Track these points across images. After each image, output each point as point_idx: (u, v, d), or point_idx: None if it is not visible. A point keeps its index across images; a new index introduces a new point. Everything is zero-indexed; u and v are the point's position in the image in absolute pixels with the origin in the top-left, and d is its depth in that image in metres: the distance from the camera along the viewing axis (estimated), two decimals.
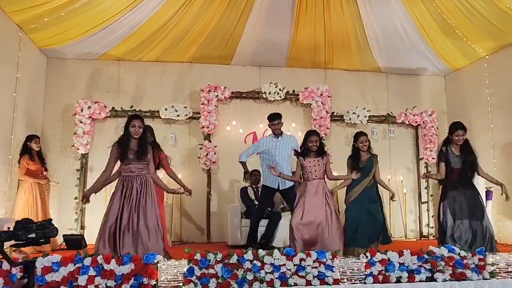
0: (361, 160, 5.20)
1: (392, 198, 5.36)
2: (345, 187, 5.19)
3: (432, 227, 7.91)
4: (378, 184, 5.27)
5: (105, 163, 4.36)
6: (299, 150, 5.16)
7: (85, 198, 4.34)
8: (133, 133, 4.22)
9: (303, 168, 4.82)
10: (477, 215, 4.80)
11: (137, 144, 4.25)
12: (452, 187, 4.94)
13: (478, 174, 5.00)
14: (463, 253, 3.73)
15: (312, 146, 4.79)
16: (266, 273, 3.34)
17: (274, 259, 3.39)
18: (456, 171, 4.94)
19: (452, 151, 4.97)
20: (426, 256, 3.65)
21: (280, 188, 5.53)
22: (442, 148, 5.05)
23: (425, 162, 8.08)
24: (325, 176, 4.87)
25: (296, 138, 5.82)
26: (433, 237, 7.84)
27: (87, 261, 3.19)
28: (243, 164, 5.79)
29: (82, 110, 7.16)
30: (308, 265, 3.43)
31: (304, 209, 4.67)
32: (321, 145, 4.94)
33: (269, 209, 6.16)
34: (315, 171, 4.75)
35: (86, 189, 4.39)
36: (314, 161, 4.79)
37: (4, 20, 5.86)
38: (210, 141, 7.53)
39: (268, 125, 5.77)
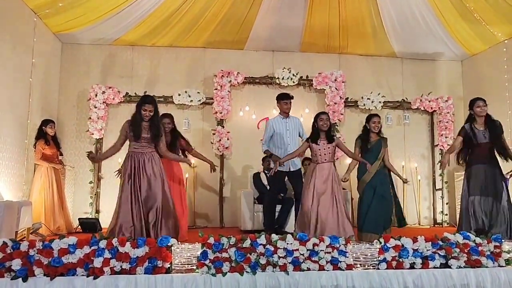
0: (370, 142, 5.20)
1: (405, 182, 5.66)
2: (356, 174, 5.18)
3: (447, 214, 7.85)
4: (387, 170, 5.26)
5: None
6: (302, 132, 5.51)
7: (93, 158, 4.83)
8: (144, 116, 4.40)
9: (312, 150, 4.90)
10: (493, 195, 4.74)
11: (149, 125, 4.42)
12: (474, 162, 4.89)
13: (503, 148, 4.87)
14: (478, 240, 3.69)
15: (323, 125, 4.83)
16: (279, 257, 3.35)
17: (287, 243, 3.39)
18: (482, 146, 4.87)
19: (475, 127, 4.92)
20: (440, 243, 3.62)
21: (291, 170, 5.45)
22: (464, 125, 5.00)
23: (440, 149, 7.98)
24: (335, 159, 5.03)
25: (301, 121, 5.77)
26: (447, 224, 7.79)
27: (103, 243, 3.23)
28: (267, 151, 5.59)
29: (96, 96, 7.21)
30: (321, 250, 3.43)
31: (314, 194, 4.76)
32: (330, 129, 4.95)
33: (282, 194, 6.15)
34: (325, 154, 4.83)
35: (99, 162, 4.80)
36: (324, 144, 4.85)
37: (19, 5, 5.89)
38: (223, 127, 7.53)
39: (278, 104, 5.65)
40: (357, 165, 5.24)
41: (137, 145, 4.41)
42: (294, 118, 5.68)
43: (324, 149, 4.82)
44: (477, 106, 4.92)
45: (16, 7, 5.81)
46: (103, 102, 7.25)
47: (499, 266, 3.63)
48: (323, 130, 4.84)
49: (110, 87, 7.30)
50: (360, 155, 5.16)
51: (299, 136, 5.62)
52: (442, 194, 7.93)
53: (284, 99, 5.60)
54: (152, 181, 4.36)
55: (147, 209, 4.33)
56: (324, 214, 4.67)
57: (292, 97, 5.65)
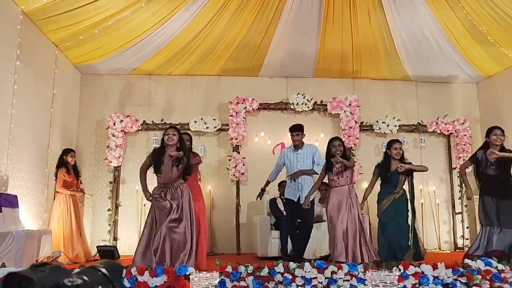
0: (390, 170, 4.99)
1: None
2: (376, 199, 5.11)
3: (468, 239, 7.69)
4: (408, 198, 4.97)
5: (137, 175, 4.56)
6: (320, 158, 5.44)
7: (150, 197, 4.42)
8: (167, 140, 4.43)
9: (328, 175, 4.92)
10: (509, 222, 4.61)
11: (178, 161, 4.37)
12: (485, 193, 4.80)
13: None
14: (500, 267, 3.61)
15: (336, 151, 4.84)
16: (298, 286, 3.33)
17: (305, 272, 3.38)
18: (488, 177, 4.79)
19: (485, 157, 4.79)
20: (461, 270, 3.56)
21: (301, 202, 5.42)
22: (477, 152, 4.94)
23: (458, 172, 7.87)
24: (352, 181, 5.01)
25: (317, 147, 5.78)
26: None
27: None
28: (267, 182, 6.00)
29: (114, 124, 7.36)
30: (339, 278, 3.40)
31: (330, 217, 4.84)
32: (345, 152, 4.96)
33: (299, 220, 6.12)
34: (342, 178, 4.85)
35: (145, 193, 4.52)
36: (339, 168, 4.88)
37: (41, 39, 6.12)
38: (239, 153, 7.59)
39: (290, 135, 5.74)
40: (378, 191, 5.10)
41: (162, 175, 4.38)
42: (308, 147, 5.64)
43: (340, 172, 4.87)
44: (493, 134, 4.75)
45: (38, 41, 6.04)
46: (121, 130, 7.39)
47: None
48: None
49: (128, 116, 7.45)
50: (377, 184, 5.07)
51: (315, 163, 5.53)
52: (462, 218, 7.79)
53: (290, 131, 5.65)
54: (179, 213, 4.29)
55: (169, 240, 4.22)
56: (346, 237, 4.69)
57: (299, 129, 5.61)
